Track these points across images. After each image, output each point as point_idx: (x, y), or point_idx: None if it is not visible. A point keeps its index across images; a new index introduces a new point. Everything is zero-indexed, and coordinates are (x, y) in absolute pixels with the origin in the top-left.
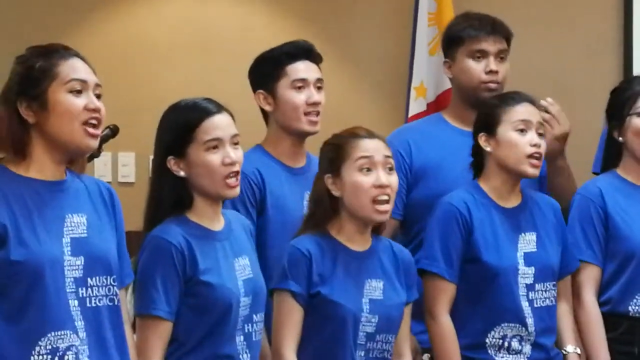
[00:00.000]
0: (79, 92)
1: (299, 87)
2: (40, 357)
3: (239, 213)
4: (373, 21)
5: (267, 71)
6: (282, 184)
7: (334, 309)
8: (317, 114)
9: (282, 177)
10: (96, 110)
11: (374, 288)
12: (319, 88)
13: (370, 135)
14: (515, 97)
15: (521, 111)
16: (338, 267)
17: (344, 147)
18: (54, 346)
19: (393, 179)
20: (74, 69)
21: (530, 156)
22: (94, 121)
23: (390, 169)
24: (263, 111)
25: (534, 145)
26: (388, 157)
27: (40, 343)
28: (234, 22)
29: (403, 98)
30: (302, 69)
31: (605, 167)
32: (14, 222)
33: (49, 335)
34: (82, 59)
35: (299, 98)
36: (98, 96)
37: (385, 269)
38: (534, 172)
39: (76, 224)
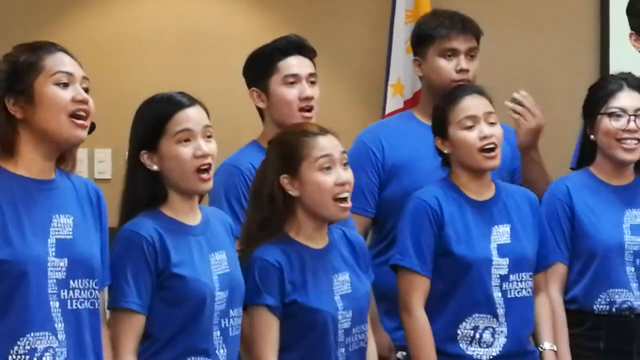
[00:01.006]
0: (65, 85)
1: (291, 83)
2: (18, 357)
3: (234, 209)
4: (351, 18)
5: (259, 68)
6: None
7: (313, 316)
8: (311, 108)
9: None
10: (83, 101)
11: (342, 282)
12: (312, 82)
13: (323, 131)
14: (458, 93)
15: (465, 107)
16: (307, 271)
17: (300, 146)
18: (32, 347)
19: (350, 175)
20: (60, 62)
21: (484, 150)
22: (81, 113)
23: (345, 164)
24: (259, 107)
25: (484, 138)
26: (343, 152)
27: (19, 343)
28: (215, 18)
29: (380, 95)
30: (293, 64)
31: (580, 164)
32: (1, 219)
33: (28, 335)
34: (69, 54)
35: (292, 93)
36: (86, 90)
37: (347, 259)
38: (491, 163)
39: (62, 225)
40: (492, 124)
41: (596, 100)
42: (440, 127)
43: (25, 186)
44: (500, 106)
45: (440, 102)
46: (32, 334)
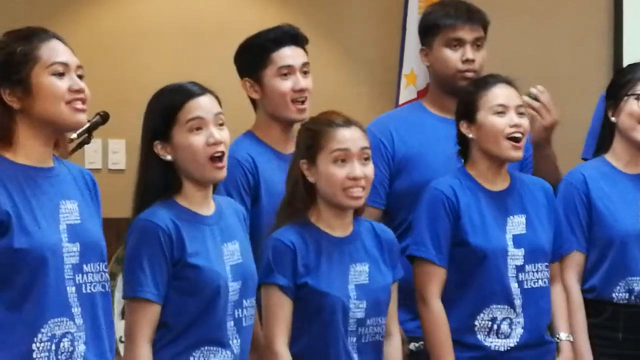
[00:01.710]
0: (61, 75)
1: (285, 74)
2: (42, 344)
3: (233, 200)
4: (364, 8)
5: (252, 58)
6: (274, 171)
7: (322, 299)
8: (305, 100)
9: (274, 163)
10: (80, 90)
11: (360, 272)
12: (305, 73)
13: (347, 123)
14: (490, 81)
15: (498, 94)
16: (322, 256)
17: (321, 135)
18: (53, 333)
19: (368, 170)
20: (55, 51)
21: (511, 138)
22: (78, 102)
23: (366, 159)
24: (251, 97)
25: (514, 126)
26: (364, 148)
27: (42, 330)
28: (224, 8)
29: (393, 85)
30: (287, 55)
31: (598, 147)
32: (15, 209)
33: (50, 322)
34: (61, 40)
35: (286, 85)
36: (80, 77)
37: (369, 251)
38: (516, 154)
39: (70, 210)
40: (521, 114)
41: (624, 82)
42: (468, 111)
43: (29, 174)
44: None
45: (471, 87)
46: (52, 320)
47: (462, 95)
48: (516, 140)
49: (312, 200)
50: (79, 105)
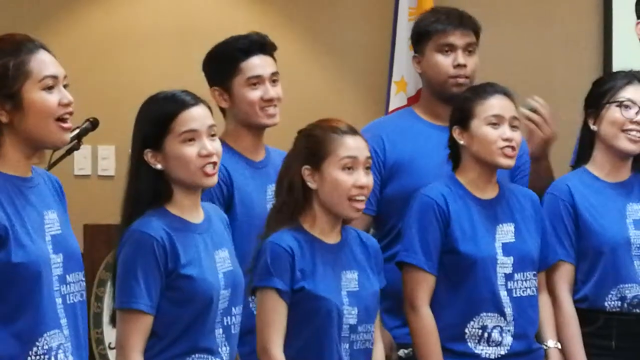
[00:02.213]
0: (51, 89)
1: (255, 84)
2: (38, 357)
3: (215, 205)
4: (355, 15)
5: (221, 68)
6: (247, 179)
7: (318, 304)
8: (275, 106)
9: (247, 171)
10: (69, 104)
11: (350, 280)
12: (274, 81)
13: (353, 132)
14: (488, 90)
15: (494, 105)
16: (317, 262)
17: (328, 142)
18: (49, 346)
19: (370, 180)
20: (44, 64)
21: (503, 149)
22: (67, 116)
23: (368, 168)
24: (220, 106)
25: (506, 139)
26: (368, 157)
27: (37, 343)
28: (216, 14)
29: (383, 92)
30: (256, 64)
31: (578, 159)
32: (10, 222)
33: (45, 335)
34: (46, 49)
35: (255, 95)
36: (65, 86)
37: (358, 259)
38: (508, 162)
39: (52, 220)
40: (515, 128)
41: (603, 91)
42: (462, 118)
43: (16, 185)
44: None
45: (468, 93)
46: (48, 333)
47: (458, 101)
48: (509, 149)
49: (307, 206)
50: (66, 124)
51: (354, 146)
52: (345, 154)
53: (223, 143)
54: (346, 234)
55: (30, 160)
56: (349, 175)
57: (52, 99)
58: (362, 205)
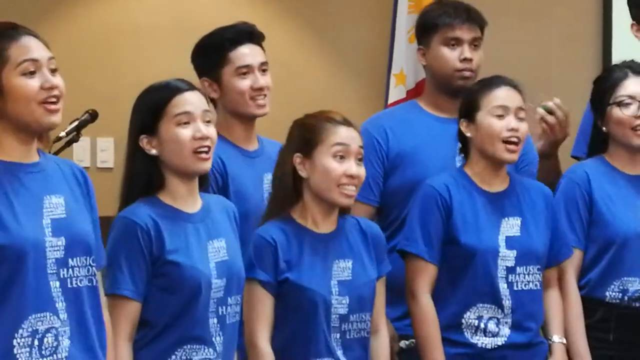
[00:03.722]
0: (32, 73)
1: (244, 73)
2: (23, 340)
3: (224, 197)
4: (353, 8)
5: (209, 58)
6: (242, 169)
7: (303, 294)
8: (265, 96)
9: (241, 161)
10: (53, 87)
11: (343, 269)
12: (264, 70)
13: (347, 123)
14: (495, 82)
15: (499, 96)
16: (304, 252)
17: (321, 130)
18: (34, 328)
19: (362, 171)
20: (25, 49)
21: (507, 141)
22: (52, 99)
23: (360, 159)
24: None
25: (511, 130)
26: (361, 147)
27: (22, 326)
28: (214, 7)
29: (382, 85)
30: (245, 54)
31: (590, 155)
32: None
33: (30, 317)
34: (33, 34)
35: (244, 84)
36: (54, 70)
37: (353, 247)
38: (510, 157)
39: (55, 204)
40: (521, 119)
41: (603, 91)
42: (469, 110)
43: (10, 170)
44: None
45: (475, 86)
46: (33, 316)
47: (466, 94)
48: (512, 143)
49: (298, 195)
50: (52, 106)
51: (346, 135)
52: (337, 141)
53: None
54: (343, 223)
55: (30, 146)
56: (340, 163)
57: (32, 83)
58: (352, 193)
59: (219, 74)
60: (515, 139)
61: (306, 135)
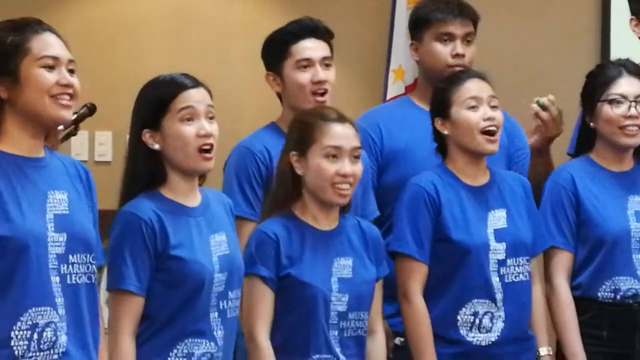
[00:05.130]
0: (51, 68)
1: (304, 67)
2: (21, 332)
3: (244, 190)
4: (352, 3)
5: (273, 53)
6: None
7: (303, 290)
8: (325, 92)
9: None
10: (68, 85)
11: (343, 266)
12: (327, 65)
13: (341, 119)
14: (462, 76)
15: (470, 88)
16: (306, 248)
17: (314, 129)
18: (34, 322)
19: (358, 169)
20: (47, 44)
21: (486, 132)
22: (66, 96)
23: (356, 157)
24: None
25: (488, 119)
26: (356, 147)
27: (21, 319)
28: (214, 2)
29: (381, 81)
30: (306, 47)
31: (578, 151)
32: (0, 197)
33: (30, 311)
34: (55, 33)
35: (304, 77)
36: (72, 71)
37: (354, 246)
38: (491, 147)
39: (58, 200)
40: (494, 107)
41: (595, 87)
42: (442, 108)
43: (17, 163)
44: (499, 93)
45: (442, 83)
46: (33, 309)
47: (435, 92)
48: (490, 133)
49: (298, 192)
50: (64, 100)
51: (339, 135)
52: (329, 143)
53: (275, 126)
54: (344, 221)
55: (38, 140)
56: (332, 163)
57: (49, 76)
58: (346, 192)
59: (281, 67)
60: (493, 128)
61: (301, 133)
